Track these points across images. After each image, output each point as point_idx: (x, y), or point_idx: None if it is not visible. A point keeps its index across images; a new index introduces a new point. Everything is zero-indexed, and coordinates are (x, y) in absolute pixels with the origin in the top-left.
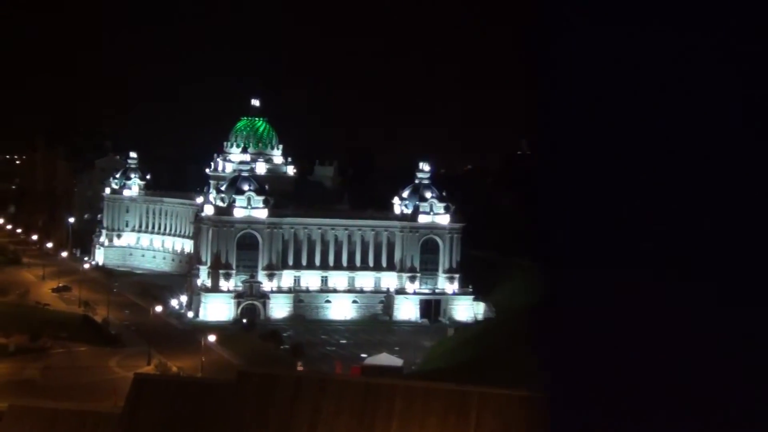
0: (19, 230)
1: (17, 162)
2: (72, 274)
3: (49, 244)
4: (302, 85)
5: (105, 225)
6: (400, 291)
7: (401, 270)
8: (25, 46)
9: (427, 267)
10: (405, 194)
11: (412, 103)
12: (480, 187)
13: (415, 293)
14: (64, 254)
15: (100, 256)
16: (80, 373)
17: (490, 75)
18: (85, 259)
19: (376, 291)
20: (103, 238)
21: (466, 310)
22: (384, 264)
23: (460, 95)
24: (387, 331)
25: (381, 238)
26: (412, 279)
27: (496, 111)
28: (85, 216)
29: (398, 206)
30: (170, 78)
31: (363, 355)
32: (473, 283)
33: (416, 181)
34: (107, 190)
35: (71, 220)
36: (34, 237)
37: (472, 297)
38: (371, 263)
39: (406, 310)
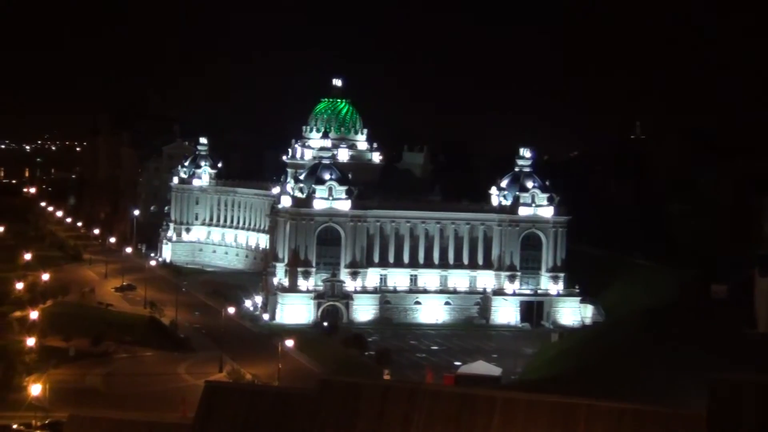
0: (79, 224)
1: (77, 149)
2: (137, 271)
3: (112, 239)
4: (390, 63)
5: (173, 218)
6: (498, 291)
7: (499, 268)
8: (89, 19)
9: (529, 265)
10: (504, 184)
11: (512, 82)
12: (588, 176)
13: (514, 294)
14: (129, 250)
15: (167, 252)
16: (146, 381)
17: (599, 53)
18: (151, 255)
19: (472, 291)
20: (170, 233)
21: (573, 313)
22: (480, 261)
23: (566, 73)
24: (483, 337)
25: (477, 232)
26: (512, 278)
27: (605, 91)
28: (151, 208)
29: (496, 197)
30: (245, 56)
31: (457, 363)
32: (580, 283)
33: (516, 169)
34: (175, 180)
35: (136, 212)
36: (96, 231)
37: (578, 299)
38: (466, 260)
39: (505, 312)
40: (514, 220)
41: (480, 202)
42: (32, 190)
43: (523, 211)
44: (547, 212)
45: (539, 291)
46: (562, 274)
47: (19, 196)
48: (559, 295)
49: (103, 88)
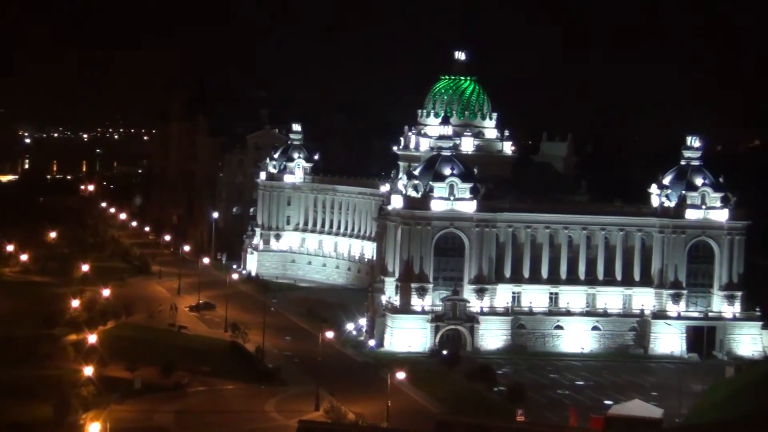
0: (147, 228)
1: (145, 138)
2: (216, 286)
3: (186, 248)
4: (525, 35)
5: (259, 222)
6: (660, 314)
7: (661, 285)
8: None
9: (697, 281)
10: (666, 181)
11: (674, 57)
12: None
13: (679, 317)
14: (206, 261)
15: (252, 264)
16: (226, 420)
17: None
18: (234, 267)
19: (626, 314)
20: (256, 240)
21: (752, 341)
22: (636, 277)
23: (742, 47)
24: (641, 370)
25: (633, 240)
26: (676, 298)
27: None
28: (234, 210)
29: (657, 197)
30: (347, 26)
31: (607, 402)
32: (762, 305)
33: (682, 163)
34: (262, 176)
35: (215, 215)
36: (167, 238)
37: (760, 323)
38: (619, 276)
39: (668, 340)
40: (679, 226)
41: (637, 204)
42: (91, 187)
43: (691, 215)
44: (721, 216)
45: (710, 314)
46: (739, 293)
47: (75, 195)
48: (735, 318)
49: (176, 65)
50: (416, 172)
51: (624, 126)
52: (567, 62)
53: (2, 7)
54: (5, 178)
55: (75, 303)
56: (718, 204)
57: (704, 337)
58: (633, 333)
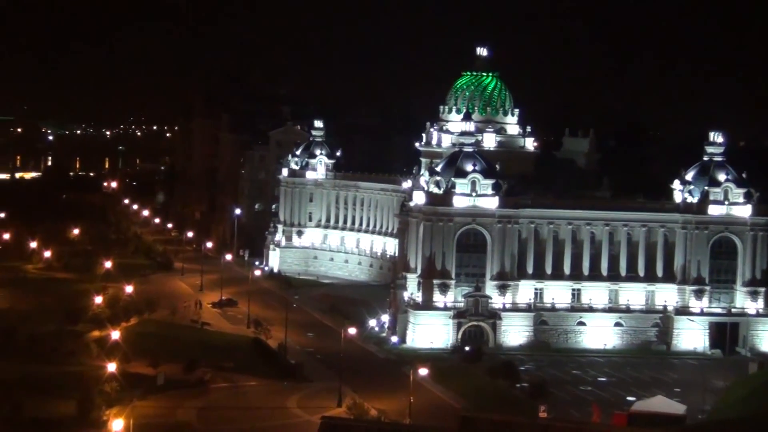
0: (169, 225)
1: (167, 135)
2: (239, 283)
3: (209, 244)
4: (546, 29)
5: (281, 218)
6: (683, 310)
7: (683, 281)
8: None
9: (720, 277)
10: (689, 176)
11: (696, 51)
12: None
13: (702, 313)
14: (229, 257)
15: (275, 260)
16: (249, 416)
17: None
18: (256, 263)
19: (649, 310)
20: (278, 236)
21: None
22: (659, 273)
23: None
24: (663, 366)
25: (655, 236)
26: (699, 294)
27: None
28: (256, 206)
29: (679, 193)
30: (369, 23)
31: (630, 399)
32: None
33: (705, 158)
34: (284, 172)
35: (237, 211)
36: (190, 234)
37: None
38: (641, 272)
39: (691, 336)
40: (702, 222)
41: (659, 200)
42: (113, 184)
43: (714, 210)
44: (744, 211)
45: (733, 310)
46: (762, 289)
47: (97, 192)
48: (758, 315)
49: (198, 62)
50: (438, 169)
51: (646, 121)
52: (590, 58)
53: (22, 8)
54: (28, 176)
55: (98, 299)
56: (741, 200)
57: (727, 333)
58: (656, 329)
